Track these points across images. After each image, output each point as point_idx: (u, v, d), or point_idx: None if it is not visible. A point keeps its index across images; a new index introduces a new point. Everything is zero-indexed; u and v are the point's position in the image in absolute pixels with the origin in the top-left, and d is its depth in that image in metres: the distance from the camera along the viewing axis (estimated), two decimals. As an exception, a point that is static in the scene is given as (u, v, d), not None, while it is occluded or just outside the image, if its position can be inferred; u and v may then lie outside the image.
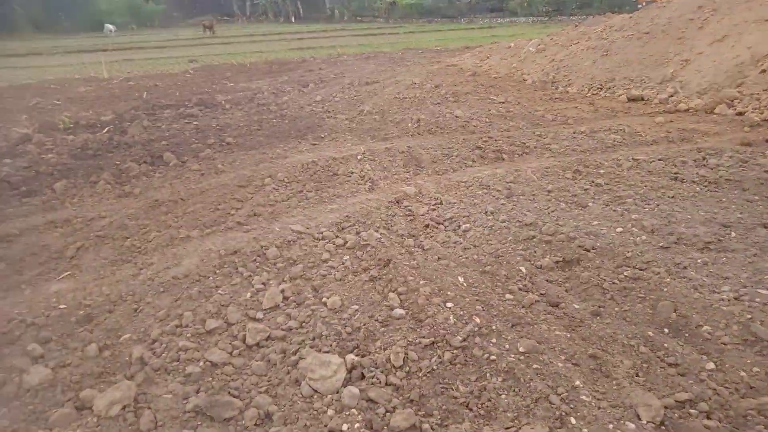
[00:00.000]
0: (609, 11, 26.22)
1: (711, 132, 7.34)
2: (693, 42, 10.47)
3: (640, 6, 22.11)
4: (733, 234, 4.01)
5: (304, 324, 3.14)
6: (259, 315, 3.24)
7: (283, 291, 3.47)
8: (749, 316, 3.00)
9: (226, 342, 2.95)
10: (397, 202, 5.11)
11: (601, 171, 5.73)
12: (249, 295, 3.48)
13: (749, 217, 4.27)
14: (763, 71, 8.46)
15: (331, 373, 2.61)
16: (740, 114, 7.96)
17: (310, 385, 2.57)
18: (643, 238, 4.06)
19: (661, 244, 3.93)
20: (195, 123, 9.57)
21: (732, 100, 8.35)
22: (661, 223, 4.27)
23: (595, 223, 4.41)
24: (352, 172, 6.13)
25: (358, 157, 6.68)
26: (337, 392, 2.56)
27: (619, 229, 4.23)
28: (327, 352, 2.86)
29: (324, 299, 3.41)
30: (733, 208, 4.51)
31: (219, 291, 3.52)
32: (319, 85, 13.42)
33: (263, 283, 3.62)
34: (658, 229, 4.18)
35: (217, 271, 3.77)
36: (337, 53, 22.26)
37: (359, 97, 11.12)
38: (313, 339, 2.98)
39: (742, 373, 2.64)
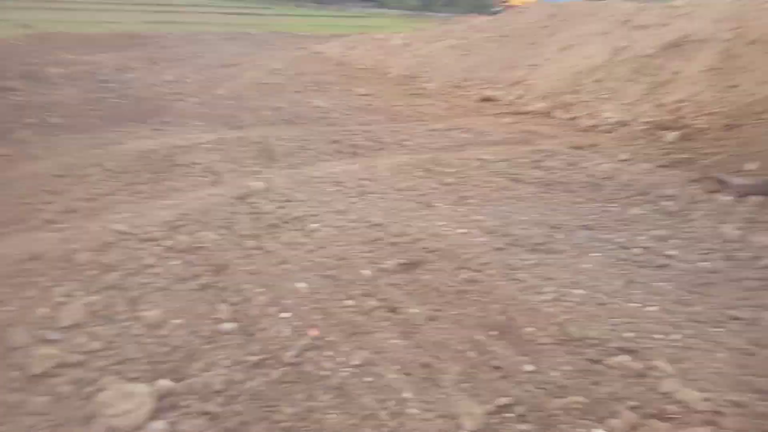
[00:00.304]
0: (473, 12, 27.74)
1: (548, 135, 7.96)
2: (544, 48, 11.34)
3: (498, 9, 23.62)
4: (560, 236, 4.32)
5: (110, 345, 2.75)
6: (54, 336, 2.77)
7: (89, 304, 3.02)
8: (566, 317, 3.21)
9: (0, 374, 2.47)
10: (242, 199, 4.79)
11: (451, 170, 5.90)
12: (46, 310, 2.97)
13: (573, 219, 4.65)
14: (597, 80, 9.40)
15: (134, 405, 2.28)
16: (573, 119, 8.76)
17: (106, 423, 2.22)
18: (482, 239, 4.21)
19: (497, 246, 4.10)
20: (14, 98, 8.26)
21: (567, 105, 9.17)
22: (499, 224, 4.47)
23: (441, 224, 4.49)
24: (196, 163, 5.66)
25: (206, 146, 6.20)
26: (139, 429, 2.24)
27: (461, 231, 4.35)
28: (134, 378, 2.51)
29: (140, 313, 3.03)
30: (561, 210, 4.88)
31: (5, 307, 2.96)
32: (172, 63, 12.39)
33: (67, 296, 3.13)
34: (496, 230, 4.37)
35: (7, 282, 3.19)
36: (197, 30, 20.80)
37: (215, 80, 10.44)
38: (119, 363, 2.61)
39: (555, 373, 2.79)
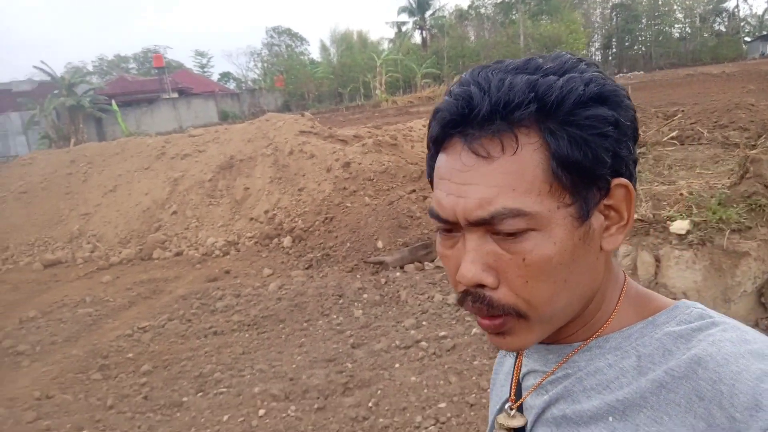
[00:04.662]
0: None
1: (173, 277, 7.86)
2: (85, 195, 10.72)
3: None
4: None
5: None
6: None
7: None
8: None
9: None
10: None
11: (107, 362, 5.05)
12: None
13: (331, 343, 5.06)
14: (174, 212, 9.77)
15: None
16: (179, 254, 8.88)
17: None
18: None
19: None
20: None
21: (163, 243, 9.19)
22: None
23: None
24: None
25: None
26: None
27: None
28: None
29: None
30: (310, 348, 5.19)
31: None
32: None
33: None
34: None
35: None
36: None
37: None
38: None
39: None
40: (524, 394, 0.74)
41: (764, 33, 49.91)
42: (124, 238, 9.61)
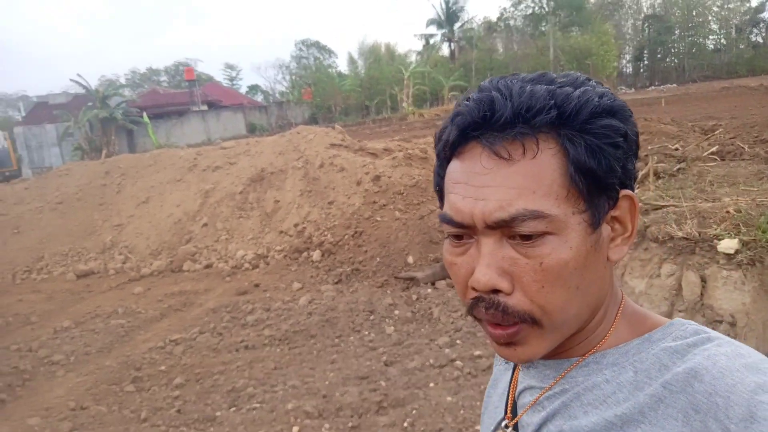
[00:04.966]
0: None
1: (203, 290, 7.94)
2: (118, 206, 10.95)
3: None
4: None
5: None
6: None
7: None
8: None
9: None
10: None
11: (140, 374, 5.11)
12: None
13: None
14: (205, 225, 9.90)
15: None
16: (209, 267, 8.98)
17: None
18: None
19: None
20: None
21: (193, 255, 9.31)
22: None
23: None
24: None
25: None
26: None
27: None
28: None
29: None
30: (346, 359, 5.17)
31: None
32: None
33: None
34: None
35: None
36: None
37: None
38: None
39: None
40: (520, 412, 0.73)
41: (804, 44, 48.67)
42: (156, 249, 9.75)
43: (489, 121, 0.60)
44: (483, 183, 0.60)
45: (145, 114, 31.98)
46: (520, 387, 0.75)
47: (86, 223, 10.70)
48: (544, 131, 0.59)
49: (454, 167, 0.64)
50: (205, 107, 38.53)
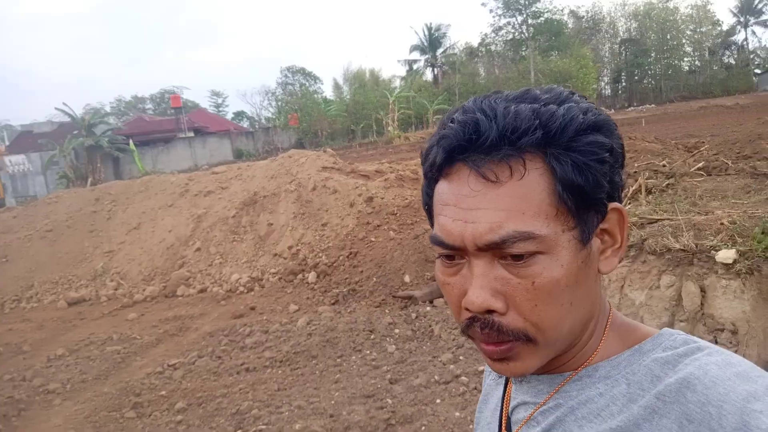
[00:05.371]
0: None
1: (198, 314, 7.87)
2: (109, 233, 10.85)
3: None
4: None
5: None
6: None
7: None
8: None
9: None
10: None
11: (140, 400, 5.03)
12: None
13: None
14: (198, 249, 9.84)
15: None
16: (203, 291, 8.90)
17: None
18: None
19: None
20: None
21: (187, 280, 9.23)
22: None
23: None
24: None
25: None
26: None
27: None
28: None
29: None
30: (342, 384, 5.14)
31: None
32: None
33: None
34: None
35: None
36: None
37: None
38: None
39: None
40: (514, 428, 0.73)
41: (774, 65, 50.21)
42: (148, 275, 9.66)
43: (475, 144, 0.60)
44: (472, 205, 0.60)
45: (131, 141, 31.89)
46: (513, 402, 0.74)
47: (76, 251, 10.58)
48: (530, 151, 0.59)
49: (443, 188, 0.64)
50: (191, 134, 38.52)
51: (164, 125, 39.29)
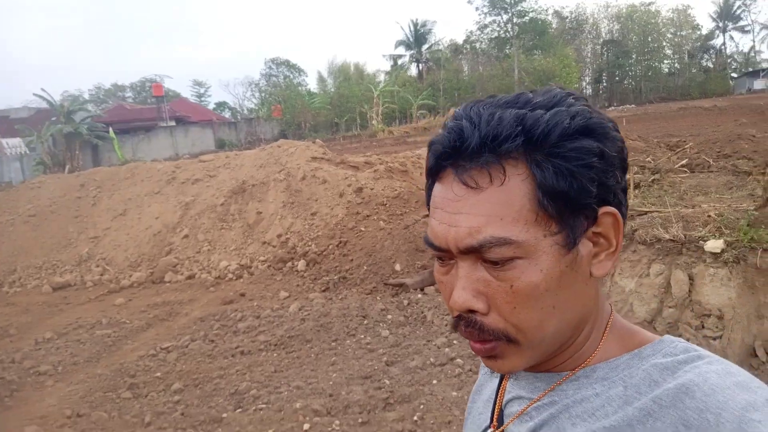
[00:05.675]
0: None
1: (187, 300, 7.87)
2: (94, 219, 10.74)
3: None
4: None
5: None
6: None
7: None
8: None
9: None
10: None
11: (136, 381, 5.04)
12: None
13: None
14: (186, 236, 9.80)
15: None
16: (192, 277, 8.89)
17: None
18: None
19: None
20: None
21: (175, 266, 9.20)
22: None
23: None
24: None
25: None
26: None
27: None
28: None
29: None
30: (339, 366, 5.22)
31: None
32: None
33: None
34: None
35: None
36: None
37: None
38: None
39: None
40: (506, 421, 0.74)
41: (750, 69, 51.42)
42: (135, 261, 9.61)
43: (459, 150, 0.61)
44: (455, 210, 0.61)
45: (111, 129, 31.40)
46: (508, 396, 0.75)
47: (60, 236, 10.46)
48: (513, 157, 0.60)
49: (436, 191, 0.65)
50: (173, 123, 38.08)
51: (145, 114, 38.76)
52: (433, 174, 0.66)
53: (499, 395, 0.78)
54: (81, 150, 31.06)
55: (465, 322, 0.63)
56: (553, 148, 0.59)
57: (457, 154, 0.62)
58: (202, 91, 58.82)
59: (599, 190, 0.61)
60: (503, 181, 0.60)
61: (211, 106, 56.40)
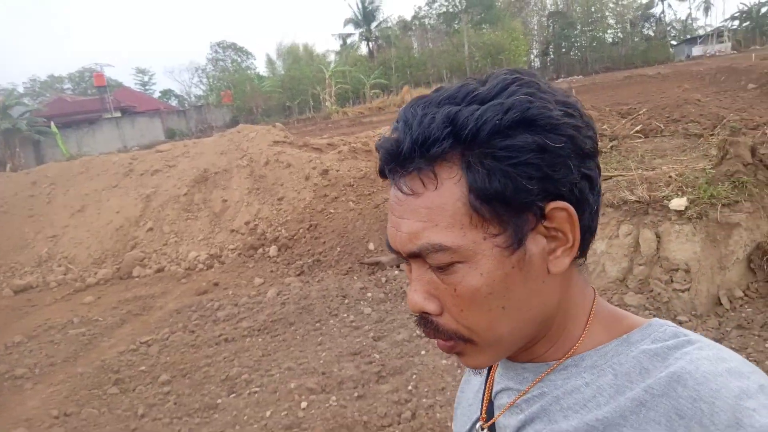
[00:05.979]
0: None
1: (160, 293, 7.77)
2: (51, 217, 10.39)
3: None
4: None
5: None
6: None
7: None
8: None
9: None
10: None
11: (121, 376, 5.02)
12: None
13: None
14: (150, 229, 9.61)
15: None
16: (161, 270, 8.75)
17: None
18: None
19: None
20: None
21: (142, 260, 9.03)
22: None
23: None
24: None
25: None
26: None
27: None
28: None
29: None
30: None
31: None
32: None
33: None
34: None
35: None
36: None
37: None
38: None
39: None
40: (497, 413, 0.73)
41: (688, 37, 53.38)
42: (99, 258, 9.37)
43: (394, 157, 0.60)
44: (400, 214, 0.61)
45: (53, 123, 30.09)
46: (497, 387, 0.74)
47: (16, 237, 10.09)
48: (447, 159, 0.58)
49: (390, 192, 0.64)
50: (118, 114, 36.78)
51: (87, 105, 37.23)
52: (384, 177, 0.64)
53: (488, 386, 0.77)
54: (22, 147, 29.71)
55: (423, 322, 0.64)
56: (484, 148, 0.57)
57: (395, 160, 0.60)
58: (146, 79, 56.78)
59: (543, 185, 0.58)
60: (436, 185, 0.58)
61: (157, 95, 54.60)
